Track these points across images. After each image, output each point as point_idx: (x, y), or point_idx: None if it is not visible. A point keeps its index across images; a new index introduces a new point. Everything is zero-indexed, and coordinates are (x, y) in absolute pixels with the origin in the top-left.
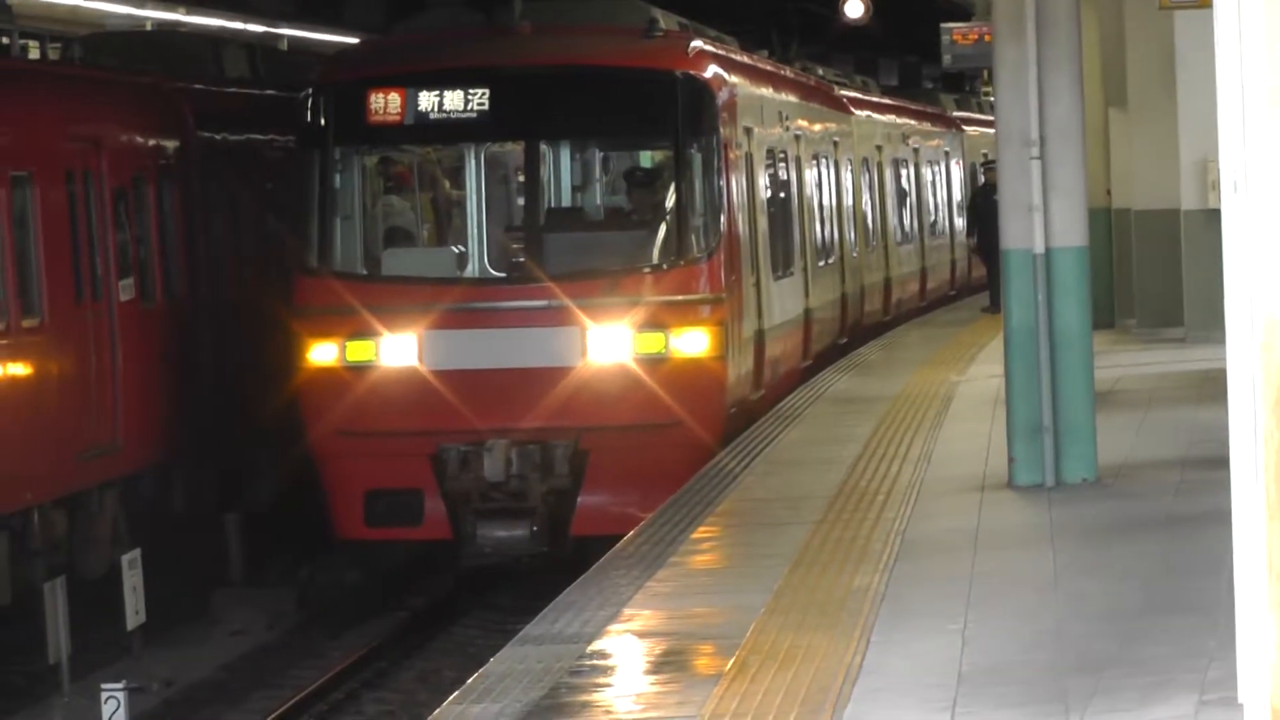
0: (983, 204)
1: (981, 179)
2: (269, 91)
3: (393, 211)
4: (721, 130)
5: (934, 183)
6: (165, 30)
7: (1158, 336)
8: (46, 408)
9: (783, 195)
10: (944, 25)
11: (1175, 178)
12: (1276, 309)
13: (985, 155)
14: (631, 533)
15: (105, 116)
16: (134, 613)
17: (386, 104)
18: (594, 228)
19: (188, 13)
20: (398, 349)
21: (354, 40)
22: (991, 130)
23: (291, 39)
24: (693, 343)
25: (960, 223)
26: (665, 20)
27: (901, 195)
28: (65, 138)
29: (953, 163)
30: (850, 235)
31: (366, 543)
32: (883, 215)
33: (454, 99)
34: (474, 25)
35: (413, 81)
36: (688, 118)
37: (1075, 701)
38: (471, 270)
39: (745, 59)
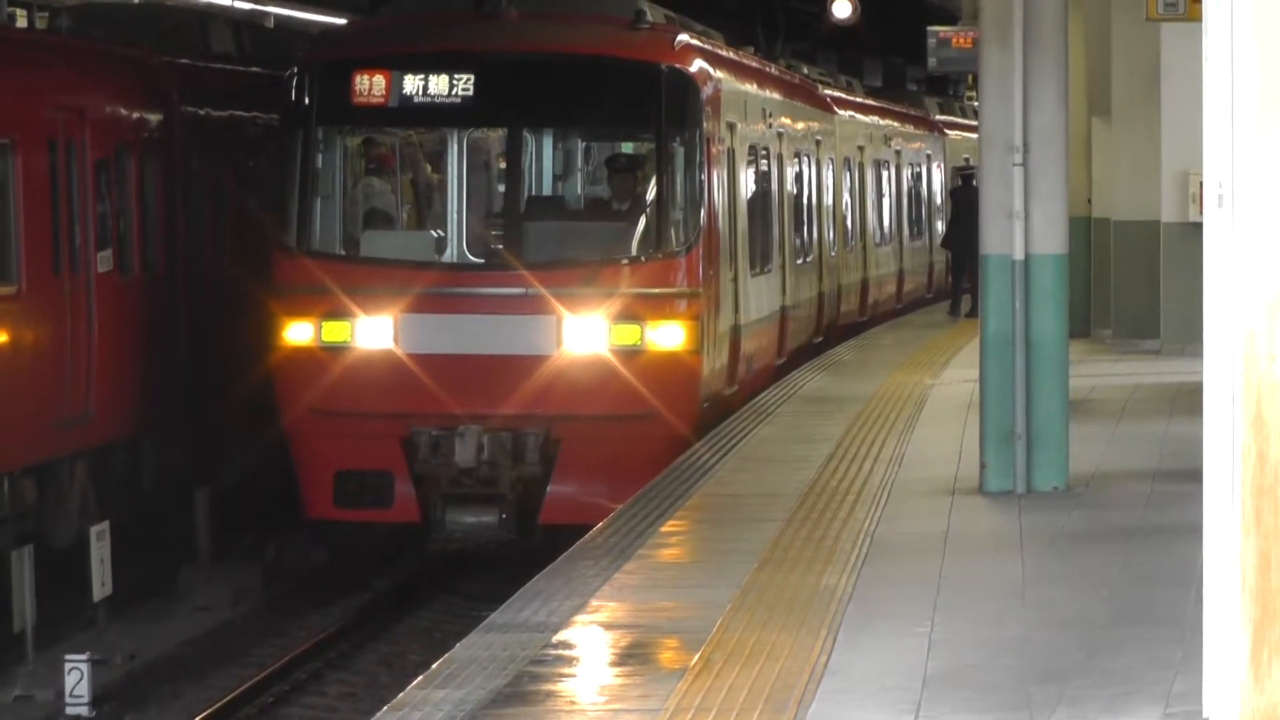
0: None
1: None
2: (254, 69)
3: (373, 193)
4: (704, 124)
5: (915, 185)
6: (153, 4)
7: (1133, 347)
8: (20, 376)
9: (763, 192)
10: (930, 28)
11: (1156, 189)
12: (1258, 322)
13: (967, 159)
14: (601, 524)
15: (89, 87)
16: (100, 584)
17: (371, 85)
18: (574, 217)
19: None
20: (373, 331)
21: (341, 20)
22: (974, 135)
23: (278, 17)
24: (668, 336)
25: (940, 226)
26: (652, 13)
27: (881, 196)
28: (49, 107)
29: (934, 166)
30: (829, 234)
31: (335, 523)
32: (862, 216)
33: (438, 83)
34: (461, 10)
35: (398, 64)
36: (671, 110)
37: (1040, 709)
38: (450, 255)
39: (731, 54)
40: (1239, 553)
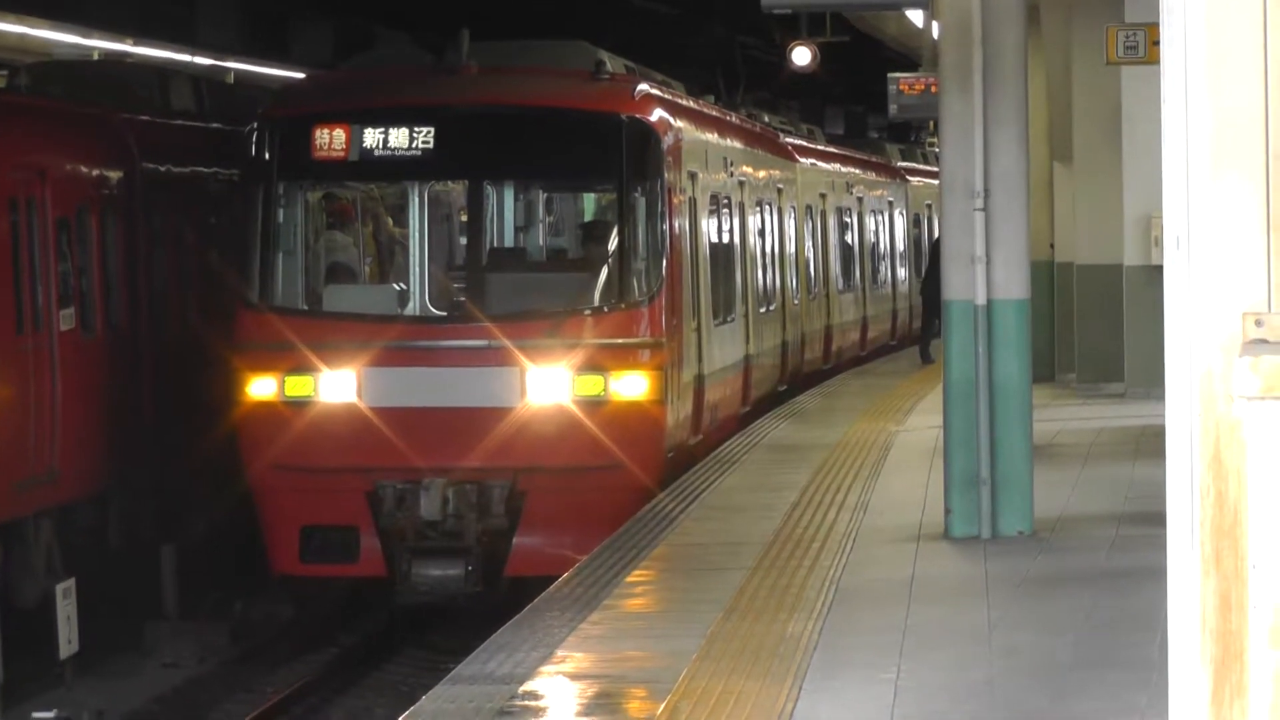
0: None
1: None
2: (215, 124)
3: (335, 247)
4: (666, 174)
5: (877, 232)
6: (112, 61)
7: (1097, 391)
8: None
9: (726, 241)
10: (891, 75)
11: (1119, 233)
12: (1215, 363)
13: None
14: (566, 574)
15: (50, 146)
16: (67, 642)
17: (331, 140)
18: (536, 269)
19: (135, 44)
20: (337, 385)
21: (301, 75)
22: (936, 181)
23: (238, 73)
24: (632, 386)
25: (903, 272)
26: (612, 64)
27: (844, 244)
28: (9, 166)
29: (896, 212)
30: (792, 282)
31: (301, 578)
32: (825, 263)
33: (399, 137)
34: (421, 64)
35: (358, 118)
36: (632, 161)
37: None
38: (412, 308)
39: (691, 104)
40: (1199, 594)
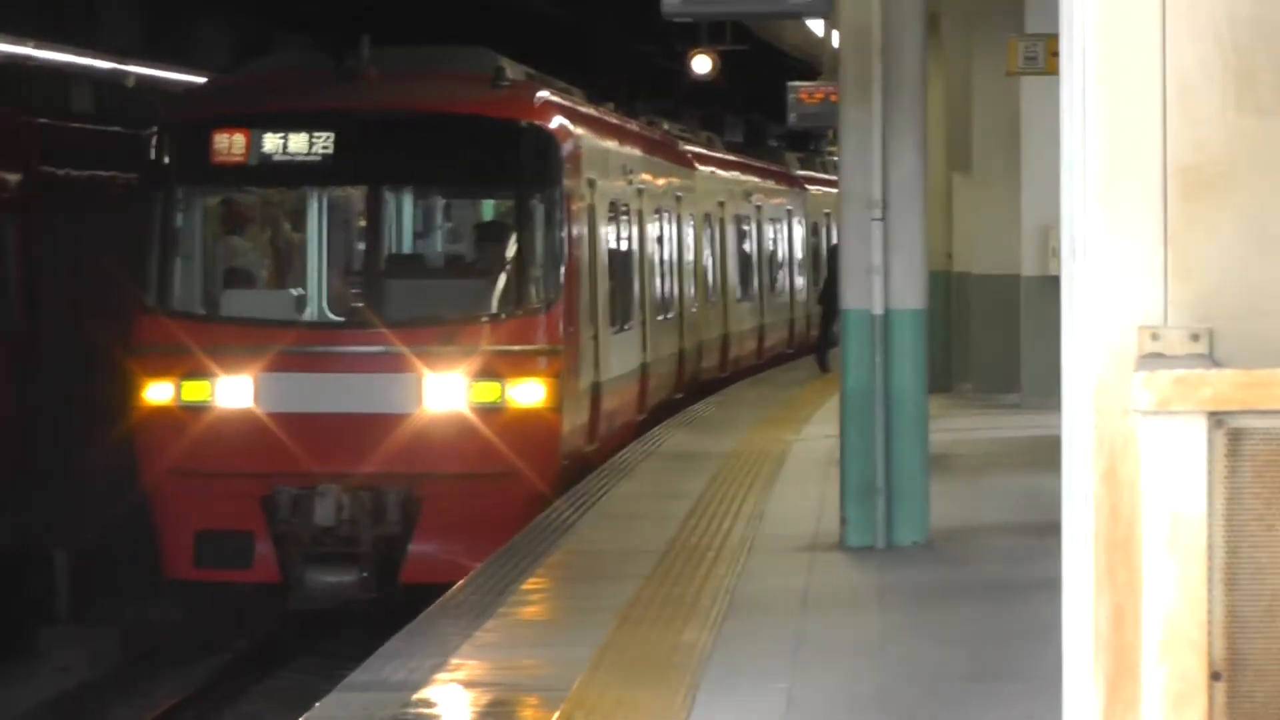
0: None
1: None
2: (114, 128)
3: (234, 252)
4: (565, 181)
5: (775, 240)
6: (11, 63)
7: (994, 402)
8: None
9: (624, 248)
10: (790, 84)
11: (1016, 243)
12: (1110, 377)
13: None
14: (461, 582)
15: None
16: None
17: (230, 144)
18: (434, 275)
19: (36, 46)
20: (233, 390)
21: (199, 78)
22: (835, 189)
23: (139, 76)
24: (528, 393)
25: (801, 281)
26: (512, 70)
27: (742, 252)
28: None
29: (795, 221)
30: (690, 291)
31: (194, 583)
32: (723, 272)
33: (298, 141)
34: (321, 68)
35: (257, 122)
36: (531, 167)
37: None
38: (310, 314)
39: (591, 111)
40: (1093, 607)
